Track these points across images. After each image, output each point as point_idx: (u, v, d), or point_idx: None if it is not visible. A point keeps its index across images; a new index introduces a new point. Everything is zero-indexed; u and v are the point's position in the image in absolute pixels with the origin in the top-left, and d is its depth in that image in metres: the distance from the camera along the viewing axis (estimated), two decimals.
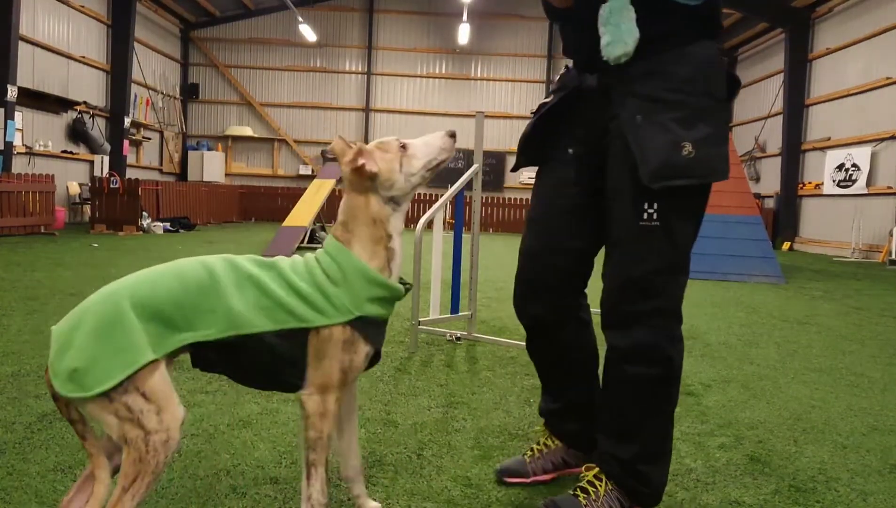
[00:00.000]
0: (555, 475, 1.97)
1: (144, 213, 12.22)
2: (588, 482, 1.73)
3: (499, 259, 9.75)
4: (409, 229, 18.59)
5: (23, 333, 3.56)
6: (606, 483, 1.71)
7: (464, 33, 18.32)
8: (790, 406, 2.84)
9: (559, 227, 1.80)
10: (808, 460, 2.23)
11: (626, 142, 1.58)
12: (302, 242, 9.72)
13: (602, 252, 1.80)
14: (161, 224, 12.54)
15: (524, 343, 3.84)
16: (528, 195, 19.88)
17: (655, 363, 1.64)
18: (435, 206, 3.80)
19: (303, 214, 10.42)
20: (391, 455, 2.10)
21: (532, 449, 2.00)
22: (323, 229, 11.52)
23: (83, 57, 14.43)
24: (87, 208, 13.21)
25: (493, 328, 4.28)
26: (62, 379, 1.26)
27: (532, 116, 1.90)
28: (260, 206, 18.88)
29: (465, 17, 18.04)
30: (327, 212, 17.05)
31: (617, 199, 1.65)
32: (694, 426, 2.51)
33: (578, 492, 1.71)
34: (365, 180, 1.50)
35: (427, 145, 1.59)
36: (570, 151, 1.79)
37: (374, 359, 1.57)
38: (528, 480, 1.94)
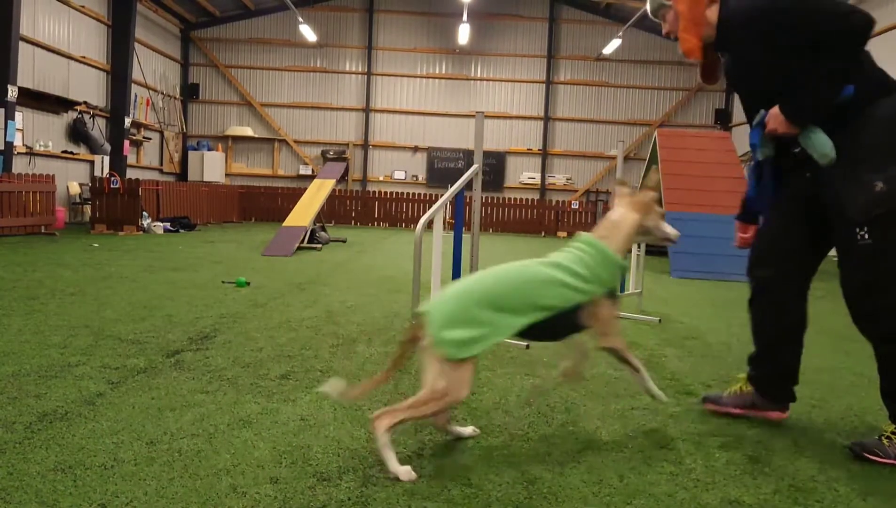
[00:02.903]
0: (743, 411, 2.61)
1: (145, 213, 12.22)
2: (893, 432, 2.24)
3: (499, 259, 9.75)
4: (409, 229, 18.40)
5: (23, 333, 3.56)
6: None
7: (464, 33, 18.31)
8: (790, 406, 2.84)
9: (780, 231, 2.56)
10: (808, 460, 2.23)
11: (835, 191, 2.24)
12: (302, 242, 9.71)
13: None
14: (161, 224, 12.54)
15: (524, 343, 3.84)
16: (527, 195, 20.05)
17: None
18: (435, 206, 3.80)
19: (303, 214, 10.42)
20: None
21: (732, 390, 2.67)
22: (323, 229, 11.51)
23: (83, 57, 14.43)
24: (88, 208, 13.21)
25: None
26: (450, 345, 1.93)
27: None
28: (260, 206, 18.86)
29: (465, 17, 18.04)
30: (327, 212, 17.08)
31: (837, 227, 2.29)
32: (694, 426, 2.51)
33: (883, 440, 2.24)
34: (648, 208, 2.33)
35: (669, 226, 2.43)
36: (787, 189, 2.51)
37: None
38: (722, 409, 2.65)
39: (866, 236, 2.16)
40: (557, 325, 2.14)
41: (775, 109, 2.27)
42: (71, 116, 14.04)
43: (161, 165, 18.86)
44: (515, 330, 2.05)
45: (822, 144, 2.23)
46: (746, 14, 2.29)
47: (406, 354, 2.07)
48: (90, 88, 14.79)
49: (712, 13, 2.40)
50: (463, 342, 1.94)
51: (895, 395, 2.26)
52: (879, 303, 2.21)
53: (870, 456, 2.21)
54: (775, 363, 2.59)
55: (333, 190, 13.82)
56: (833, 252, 2.49)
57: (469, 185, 3.97)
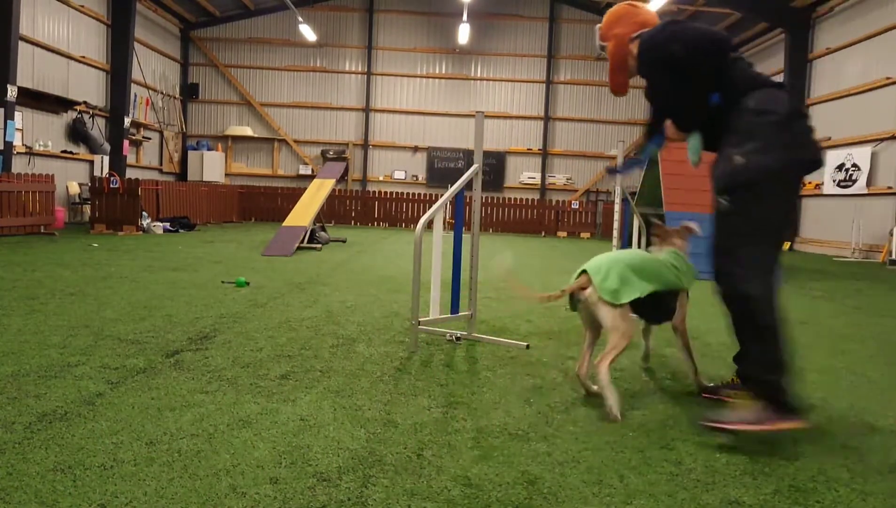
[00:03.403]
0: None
1: (144, 213, 12.22)
2: (739, 402, 2.48)
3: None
4: (409, 229, 18.32)
5: (23, 333, 3.56)
6: (750, 399, 2.42)
7: (464, 33, 18.31)
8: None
9: None
10: (808, 460, 2.23)
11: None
12: (302, 242, 9.71)
13: None
14: (161, 224, 12.54)
15: (524, 343, 3.86)
16: (527, 195, 20.05)
17: (737, 301, 2.44)
18: (435, 206, 3.80)
19: (303, 214, 10.41)
20: (391, 455, 2.10)
21: (726, 382, 2.95)
22: (323, 229, 11.50)
23: (83, 57, 14.42)
24: (87, 208, 13.22)
25: (493, 328, 4.28)
26: (607, 292, 2.65)
27: None
28: (260, 206, 18.87)
29: (465, 17, 18.04)
30: (327, 212, 17.08)
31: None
32: (694, 427, 2.51)
33: (730, 408, 2.47)
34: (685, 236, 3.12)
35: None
36: None
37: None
38: (715, 397, 2.87)
39: (726, 203, 2.45)
40: (663, 302, 2.85)
41: (669, 120, 2.75)
42: (71, 115, 14.04)
43: (161, 164, 18.86)
44: (646, 292, 2.71)
45: (690, 149, 2.72)
46: (643, 47, 2.77)
47: (562, 297, 2.81)
48: (90, 87, 14.79)
49: (635, 46, 2.85)
50: (615, 291, 2.65)
51: (741, 359, 2.58)
52: (726, 265, 2.45)
53: (719, 425, 2.35)
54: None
55: (333, 190, 13.80)
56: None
57: (469, 185, 3.97)
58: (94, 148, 14.53)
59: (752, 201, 2.39)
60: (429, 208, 4.62)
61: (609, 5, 19.36)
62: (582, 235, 18.85)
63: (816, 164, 2.48)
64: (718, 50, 2.56)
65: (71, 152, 13.97)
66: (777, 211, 2.43)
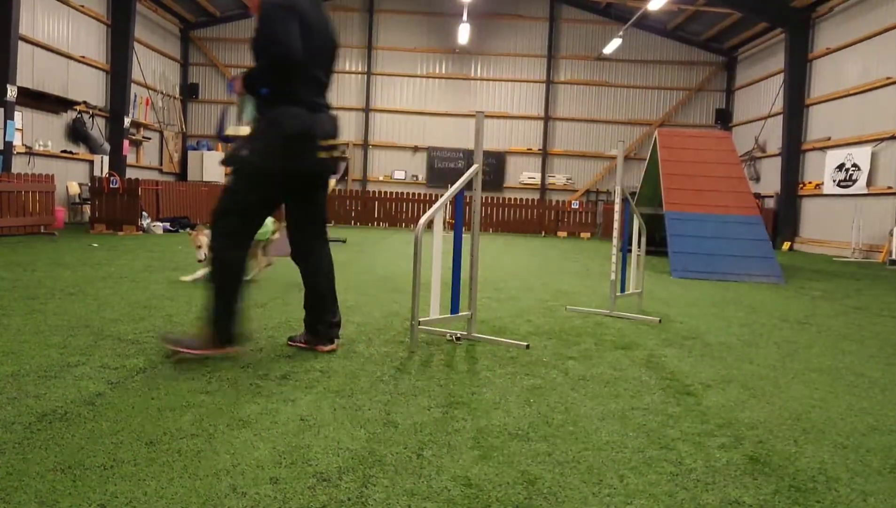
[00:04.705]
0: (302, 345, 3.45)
1: (144, 213, 12.21)
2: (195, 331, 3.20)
3: (499, 259, 9.75)
4: (409, 229, 18.37)
5: (23, 333, 3.55)
6: (203, 329, 3.16)
7: (464, 33, 18.31)
8: (790, 406, 2.84)
9: None
10: (808, 460, 2.23)
11: None
12: None
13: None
14: (161, 224, 12.53)
15: (524, 343, 3.86)
16: (528, 195, 20.03)
17: (214, 260, 3.17)
18: (435, 206, 3.79)
19: None
20: (391, 455, 2.10)
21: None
22: None
23: (83, 57, 14.42)
24: (87, 208, 13.21)
25: (493, 328, 4.28)
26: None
27: None
28: None
29: (465, 17, 18.04)
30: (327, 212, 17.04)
31: None
32: (694, 426, 2.51)
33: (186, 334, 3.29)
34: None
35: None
36: None
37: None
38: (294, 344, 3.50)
39: (229, 180, 3.14)
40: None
41: (241, 73, 3.21)
42: (70, 115, 14.04)
43: (161, 164, 18.85)
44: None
45: (244, 108, 3.22)
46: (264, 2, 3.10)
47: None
48: (90, 87, 14.78)
49: None
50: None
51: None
52: (214, 229, 3.15)
53: (174, 347, 3.08)
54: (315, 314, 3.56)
55: (333, 190, 13.80)
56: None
57: (469, 185, 3.97)
58: (94, 148, 14.51)
59: (241, 186, 3.07)
60: (429, 208, 4.54)
61: (609, 5, 19.37)
62: (582, 235, 18.86)
63: (306, 173, 3.19)
64: (275, 64, 3.01)
65: (71, 152, 13.97)
66: (256, 199, 3.11)
